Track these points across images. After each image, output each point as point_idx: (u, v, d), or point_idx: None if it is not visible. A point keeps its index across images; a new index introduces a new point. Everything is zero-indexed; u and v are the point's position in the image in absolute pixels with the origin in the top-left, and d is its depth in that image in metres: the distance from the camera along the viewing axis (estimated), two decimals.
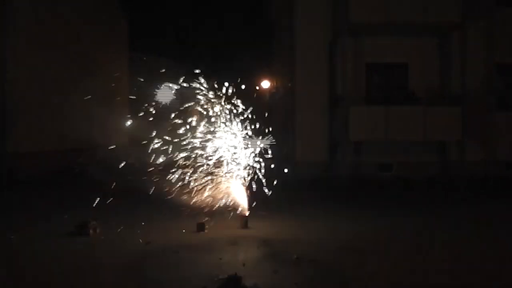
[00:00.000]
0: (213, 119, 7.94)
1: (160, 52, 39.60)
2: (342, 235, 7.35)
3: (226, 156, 7.89)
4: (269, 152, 8.33)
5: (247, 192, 7.99)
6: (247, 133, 8.06)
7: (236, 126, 7.97)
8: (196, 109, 7.80)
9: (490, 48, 14.85)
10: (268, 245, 6.63)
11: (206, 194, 7.83)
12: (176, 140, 7.80)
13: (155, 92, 24.78)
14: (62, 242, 6.86)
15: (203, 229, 7.46)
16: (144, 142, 7.99)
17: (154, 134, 7.83)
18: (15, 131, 14.42)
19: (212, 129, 7.91)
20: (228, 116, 7.96)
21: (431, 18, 13.90)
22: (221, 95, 7.92)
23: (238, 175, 7.95)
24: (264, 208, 8.37)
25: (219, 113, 7.93)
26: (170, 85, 8.66)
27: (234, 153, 7.96)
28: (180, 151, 7.78)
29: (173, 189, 7.83)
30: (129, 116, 26.94)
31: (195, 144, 7.82)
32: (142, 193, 8.56)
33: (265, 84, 26.57)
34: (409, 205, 10.36)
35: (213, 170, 7.88)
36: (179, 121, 7.84)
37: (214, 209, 7.95)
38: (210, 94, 7.96)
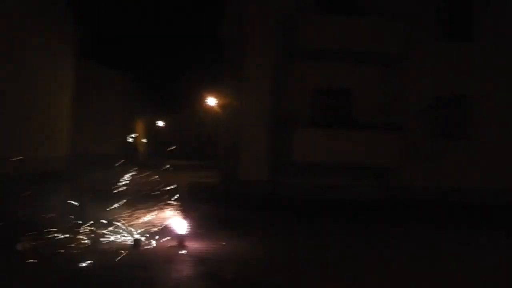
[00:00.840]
0: None
1: (107, 61, 38.91)
2: (279, 255, 7.36)
3: None
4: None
5: (184, 212, 7.86)
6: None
7: None
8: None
9: (430, 79, 15.53)
10: (204, 264, 6.53)
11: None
12: None
13: None
14: None
15: (139, 245, 7.24)
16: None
17: None
18: None
19: None
20: None
21: (374, 48, 14.42)
22: None
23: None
24: (203, 227, 8.25)
25: None
26: None
27: None
28: None
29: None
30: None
31: None
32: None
33: (212, 101, 26.54)
34: (345, 227, 10.56)
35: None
36: None
37: (151, 228, 7.78)
38: None
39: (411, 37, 14.80)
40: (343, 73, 15.23)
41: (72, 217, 8.54)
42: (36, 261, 6.28)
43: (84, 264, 6.24)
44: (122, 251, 7.04)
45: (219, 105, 24.93)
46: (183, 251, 7.25)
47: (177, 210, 7.76)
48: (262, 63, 15.12)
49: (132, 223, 8.20)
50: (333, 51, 14.43)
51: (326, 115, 15.29)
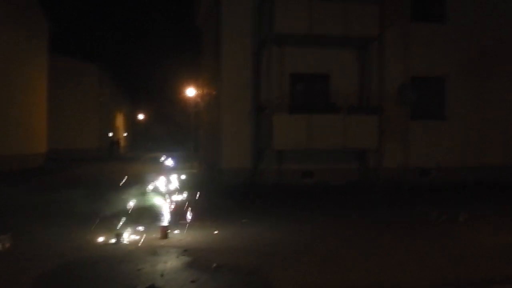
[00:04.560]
0: None
1: (84, 56, 38.37)
2: (263, 241, 7.43)
3: None
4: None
5: (168, 201, 7.86)
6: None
7: None
8: None
9: (406, 61, 15.73)
10: (188, 254, 6.56)
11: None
12: None
13: None
14: None
15: (122, 239, 7.24)
16: None
17: None
18: None
19: None
20: None
21: (350, 32, 14.54)
22: None
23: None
24: (186, 217, 8.27)
25: None
26: None
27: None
28: None
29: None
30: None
31: None
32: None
33: (191, 92, 26.40)
34: (327, 211, 10.69)
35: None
36: None
37: (135, 219, 7.79)
38: None
39: (386, 19, 14.95)
40: (320, 58, 15.33)
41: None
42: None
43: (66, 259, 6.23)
44: (105, 245, 7.05)
45: (199, 95, 24.85)
46: (167, 242, 7.28)
47: (159, 200, 7.75)
48: (239, 51, 15.13)
49: (114, 214, 8.22)
50: (308, 36, 14.49)
51: (305, 100, 15.40)
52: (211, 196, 11.96)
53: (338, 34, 14.64)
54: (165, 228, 7.57)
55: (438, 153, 15.68)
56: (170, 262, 6.19)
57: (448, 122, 16.17)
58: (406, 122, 15.66)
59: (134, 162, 28.95)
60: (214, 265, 5.93)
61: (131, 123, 66.43)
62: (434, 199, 12.49)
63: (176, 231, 7.81)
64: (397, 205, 11.49)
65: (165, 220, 7.64)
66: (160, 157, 7.94)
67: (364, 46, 15.48)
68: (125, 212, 8.00)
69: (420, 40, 15.89)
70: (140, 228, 7.75)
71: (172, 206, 7.84)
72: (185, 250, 6.73)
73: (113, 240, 7.22)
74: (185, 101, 32.50)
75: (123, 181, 8.33)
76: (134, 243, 7.16)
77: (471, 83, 16.28)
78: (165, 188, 7.86)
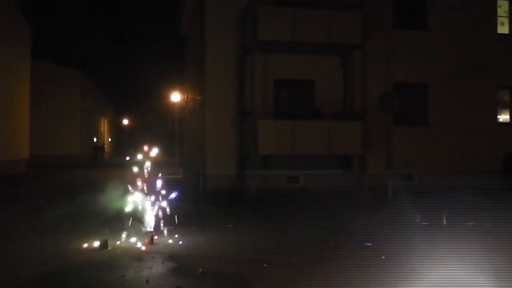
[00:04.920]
0: None
1: (67, 62, 38.06)
2: (248, 248, 7.45)
3: None
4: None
5: (152, 207, 7.84)
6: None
7: None
8: None
9: (388, 68, 15.96)
10: (173, 260, 6.55)
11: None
12: None
13: None
14: None
15: (106, 246, 7.20)
16: None
17: None
18: None
19: None
20: None
21: (333, 39, 14.71)
22: None
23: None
24: (172, 223, 8.26)
25: None
26: None
27: None
28: None
29: None
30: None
31: None
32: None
33: (175, 97, 26.34)
34: (312, 216, 10.73)
35: None
36: None
37: (119, 224, 7.76)
38: None
39: (369, 27, 15.15)
40: (304, 64, 15.48)
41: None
42: None
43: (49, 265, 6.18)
44: (89, 251, 7.01)
45: (183, 101, 24.81)
46: (152, 248, 7.26)
47: (144, 206, 7.72)
48: (223, 57, 15.20)
49: (98, 220, 8.17)
50: (292, 43, 14.62)
51: (289, 106, 15.51)
52: (196, 202, 11.96)
53: (321, 42, 14.79)
54: (150, 234, 7.54)
55: (422, 158, 15.90)
56: (155, 268, 6.18)
57: (431, 128, 16.42)
58: (390, 128, 15.85)
59: (119, 168, 28.74)
60: (200, 270, 5.93)
61: (116, 129, 65.99)
62: (418, 204, 12.59)
63: (161, 237, 7.80)
64: (381, 210, 11.56)
65: (150, 226, 7.62)
66: (145, 163, 7.90)
67: (347, 53, 15.66)
68: (109, 218, 7.96)
69: (402, 47, 16.14)
70: (125, 234, 7.71)
71: (157, 212, 7.81)
72: (170, 256, 6.72)
73: (96, 246, 7.17)
74: (169, 107, 32.41)
75: (107, 187, 8.29)
76: (118, 249, 7.13)
77: (452, 89, 16.57)
78: (150, 194, 7.83)
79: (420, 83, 16.49)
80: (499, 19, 17.42)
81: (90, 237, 7.66)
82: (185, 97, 23.35)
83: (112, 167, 32.09)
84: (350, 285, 5.57)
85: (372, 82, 15.68)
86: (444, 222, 9.40)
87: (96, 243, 7.26)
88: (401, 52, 16.12)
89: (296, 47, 14.97)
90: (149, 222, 7.59)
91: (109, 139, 58.66)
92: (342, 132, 14.77)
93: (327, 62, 15.66)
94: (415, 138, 16.22)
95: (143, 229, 7.61)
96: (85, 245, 7.29)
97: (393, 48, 16.11)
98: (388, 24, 16.16)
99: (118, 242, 7.40)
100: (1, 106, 21.52)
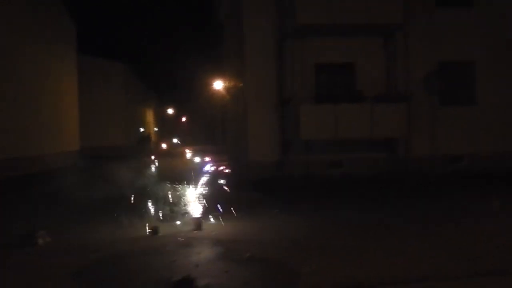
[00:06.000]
0: None
1: (109, 55, 38.97)
2: (293, 233, 7.52)
3: None
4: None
5: (200, 194, 8.04)
6: None
7: None
8: None
9: (432, 46, 15.48)
10: (221, 245, 6.71)
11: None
12: None
13: None
14: (8, 253, 6.67)
15: (157, 232, 7.44)
16: None
17: None
18: None
19: None
20: None
21: (374, 20, 14.38)
22: None
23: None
24: (218, 210, 8.44)
25: None
26: None
27: None
28: None
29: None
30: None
31: None
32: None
33: (217, 85, 26.53)
34: (356, 201, 10.64)
35: None
36: None
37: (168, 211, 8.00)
38: None
39: (410, 5, 14.75)
40: (345, 47, 15.24)
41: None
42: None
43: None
44: (140, 238, 7.26)
45: (225, 88, 24.98)
46: (200, 234, 7.44)
47: (191, 193, 7.93)
48: (262, 43, 15.17)
49: (148, 207, 8.43)
50: (331, 26, 14.42)
51: (330, 90, 15.35)
52: (240, 189, 12.09)
53: (361, 23, 14.51)
54: (198, 220, 7.74)
55: (469, 140, 15.42)
56: (204, 253, 6.36)
57: (479, 108, 15.86)
58: (435, 109, 15.45)
59: (165, 157, 29.33)
60: (247, 255, 6.05)
61: (161, 119, 67.24)
62: (468, 188, 12.25)
63: (208, 223, 7.98)
64: (428, 195, 11.32)
65: (198, 212, 7.83)
66: (190, 152, 8.08)
67: (389, 34, 15.30)
68: (159, 205, 8.21)
69: (446, 25, 15.59)
70: (174, 220, 7.94)
71: (204, 199, 8.01)
72: (218, 241, 6.88)
73: (147, 233, 7.42)
74: (211, 95, 32.70)
75: (156, 175, 8.54)
76: (168, 235, 7.35)
77: (501, 67, 15.90)
78: (196, 181, 8.03)
79: (467, 60, 15.91)
80: None
81: (140, 223, 7.93)
82: (226, 85, 23.51)
83: (158, 156, 32.69)
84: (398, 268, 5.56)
85: (415, 62, 15.27)
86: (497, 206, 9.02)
87: (146, 229, 7.51)
88: (445, 30, 15.57)
89: (335, 30, 14.75)
90: (197, 208, 7.80)
91: (155, 129, 59.87)
92: (385, 115, 14.51)
93: (368, 43, 15.36)
94: (462, 118, 15.72)
95: (191, 215, 7.82)
96: (136, 232, 7.57)
97: (437, 26, 15.58)
98: (430, 1, 15.65)
99: (167, 228, 7.63)
100: (52, 101, 22.36)
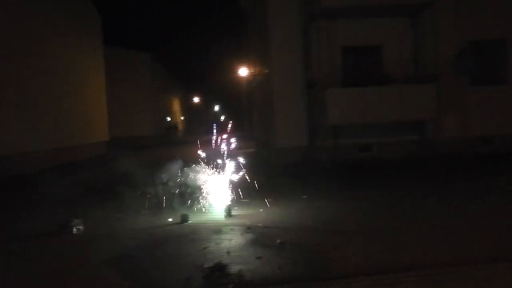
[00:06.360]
0: None
1: (135, 45, 39.29)
2: (325, 218, 7.48)
3: None
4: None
5: (229, 180, 8.08)
6: None
7: None
8: None
9: (462, 25, 15.07)
10: (252, 231, 6.73)
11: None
12: None
13: None
14: (44, 242, 6.85)
15: (187, 220, 7.52)
16: None
17: None
18: None
19: None
20: None
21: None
22: None
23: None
24: (247, 196, 8.46)
25: None
26: None
27: None
28: None
29: None
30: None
31: None
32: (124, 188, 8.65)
33: (242, 71, 26.51)
34: (388, 185, 10.51)
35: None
36: None
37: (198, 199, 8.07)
38: None
39: None
40: (371, 28, 14.98)
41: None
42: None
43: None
44: (171, 225, 7.35)
45: (250, 75, 24.95)
46: (230, 220, 7.49)
47: (221, 180, 7.98)
48: (287, 27, 15.02)
49: (178, 195, 8.52)
50: (357, 7, 14.18)
51: (357, 73, 15.13)
52: (269, 174, 12.10)
53: (387, 3, 14.22)
54: (228, 207, 7.79)
55: (501, 120, 15.02)
56: (235, 240, 6.38)
57: (511, 87, 15.42)
58: (465, 89, 15.09)
59: (192, 145, 29.56)
60: (278, 241, 6.05)
61: (187, 107, 67.70)
62: (501, 169, 11.97)
63: (238, 209, 8.02)
64: (460, 177, 11.11)
65: (228, 199, 7.87)
66: (216, 140, 8.12)
67: (416, 13, 14.96)
68: (188, 193, 8.28)
69: (475, 2, 15.14)
70: (204, 207, 8.00)
71: (233, 185, 8.05)
72: (249, 228, 6.91)
73: (178, 220, 7.51)
74: (237, 81, 32.71)
75: (184, 163, 8.60)
76: (199, 222, 7.42)
77: None
78: (225, 168, 8.06)
79: (498, 38, 15.45)
80: None
81: (171, 211, 8.03)
82: (252, 70, 23.46)
83: (185, 144, 33.02)
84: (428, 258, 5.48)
85: (445, 42, 14.91)
86: None
87: (177, 217, 7.60)
88: (474, 8, 15.12)
89: (361, 11, 14.49)
90: (226, 195, 7.86)
91: (182, 118, 60.34)
92: (414, 97, 14.24)
93: (395, 24, 15.04)
94: (494, 98, 15.31)
95: (221, 202, 7.87)
96: (167, 219, 7.67)
97: (466, 4, 15.14)
98: None
99: (197, 215, 7.70)
100: (82, 94, 22.76)
